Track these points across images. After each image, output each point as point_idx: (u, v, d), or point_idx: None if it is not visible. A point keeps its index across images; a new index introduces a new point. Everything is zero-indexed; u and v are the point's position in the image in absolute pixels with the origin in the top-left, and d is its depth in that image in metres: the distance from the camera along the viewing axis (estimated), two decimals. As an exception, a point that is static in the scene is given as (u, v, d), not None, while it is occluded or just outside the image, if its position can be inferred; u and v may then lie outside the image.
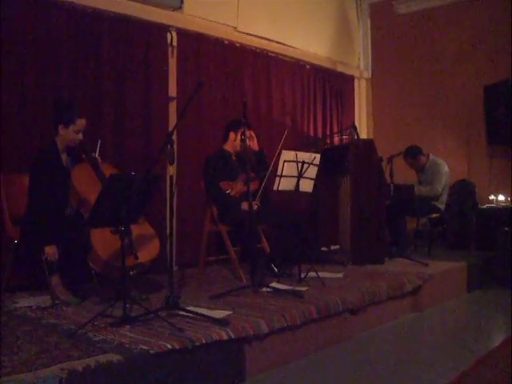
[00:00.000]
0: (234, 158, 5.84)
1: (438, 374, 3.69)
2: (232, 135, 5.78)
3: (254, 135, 5.85)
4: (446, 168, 7.22)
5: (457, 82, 8.52)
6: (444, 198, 7.21)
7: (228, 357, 3.52)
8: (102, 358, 2.91)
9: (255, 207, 5.30)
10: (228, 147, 5.84)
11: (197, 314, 3.77)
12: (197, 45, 6.75)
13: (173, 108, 6.47)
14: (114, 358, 2.95)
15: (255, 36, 7.54)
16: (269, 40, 7.74)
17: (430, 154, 7.38)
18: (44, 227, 4.23)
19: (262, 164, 5.81)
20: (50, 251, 4.21)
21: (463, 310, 5.94)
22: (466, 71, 8.42)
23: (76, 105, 4.70)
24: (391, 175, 6.51)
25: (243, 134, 4.90)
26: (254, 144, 5.84)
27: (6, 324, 3.71)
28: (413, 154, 7.32)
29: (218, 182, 5.45)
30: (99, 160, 4.54)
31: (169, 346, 3.15)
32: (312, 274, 5.25)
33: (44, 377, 2.65)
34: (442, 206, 7.16)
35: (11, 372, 2.69)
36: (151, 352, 3.07)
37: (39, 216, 4.25)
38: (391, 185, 6.51)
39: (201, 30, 6.79)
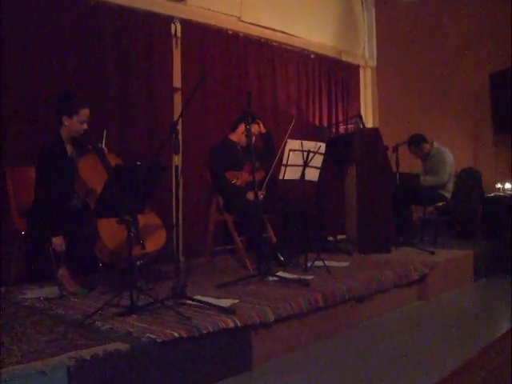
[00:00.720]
0: (239, 148, 5.83)
1: (442, 361, 3.71)
2: (242, 127, 5.74)
3: (259, 121, 5.83)
4: (450, 156, 7.20)
5: (462, 70, 8.47)
6: (450, 186, 7.18)
7: (234, 345, 3.54)
8: (110, 347, 2.94)
9: (261, 197, 5.32)
10: (234, 137, 5.84)
11: (203, 302, 3.78)
12: (201, 35, 6.75)
13: (177, 99, 6.47)
14: (122, 346, 2.97)
15: (259, 26, 7.52)
16: (273, 30, 7.73)
17: (434, 142, 7.36)
18: (51, 218, 4.24)
19: (268, 146, 5.82)
20: (57, 242, 4.23)
21: (469, 299, 5.92)
22: (472, 59, 8.36)
23: (79, 95, 4.70)
24: (397, 164, 6.50)
25: (248, 124, 4.89)
26: (261, 127, 5.83)
27: (14, 315, 3.75)
28: (417, 142, 7.30)
29: (224, 172, 5.47)
30: (105, 150, 4.55)
31: (176, 335, 3.17)
32: (318, 262, 5.27)
33: (52, 365, 2.67)
34: (448, 195, 7.14)
35: (20, 361, 2.70)
36: (158, 340, 3.09)
37: (46, 207, 4.27)
38: (397, 173, 6.50)
39: (204, 21, 6.78)
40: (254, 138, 5.09)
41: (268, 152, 5.76)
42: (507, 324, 4.72)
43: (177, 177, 3.89)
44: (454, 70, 8.58)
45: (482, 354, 3.80)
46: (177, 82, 6.48)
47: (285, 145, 5.15)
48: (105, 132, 4.63)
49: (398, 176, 6.50)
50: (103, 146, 4.56)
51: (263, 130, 5.87)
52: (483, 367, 3.53)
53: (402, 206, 6.97)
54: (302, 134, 7.01)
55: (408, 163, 7.31)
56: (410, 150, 7.34)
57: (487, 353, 3.82)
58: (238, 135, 5.80)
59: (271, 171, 5.48)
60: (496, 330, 4.55)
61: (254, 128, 5.52)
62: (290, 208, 5.61)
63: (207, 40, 6.83)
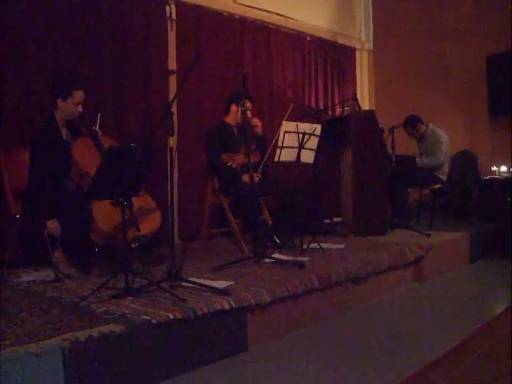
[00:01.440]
0: (235, 130, 5.82)
1: (439, 342, 3.72)
2: (234, 107, 5.75)
3: (259, 123, 5.78)
4: (445, 137, 7.20)
5: (459, 53, 8.45)
6: (445, 168, 7.18)
7: (230, 326, 3.54)
8: (105, 329, 2.94)
9: (256, 179, 5.31)
10: (229, 119, 5.82)
11: (199, 284, 3.79)
12: (196, 18, 6.71)
13: (173, 81, 6.43)
14: (117, 328, 2.97)
15: (255, 8, 7.47)
16: (269, 12, 7.67)
17: (430, 123, 7.35)
18: (45, 202, 4.24)
19: (260, 150, 5.78)
20: (52, 225, 4.23)
21: (465, 280, 5.95)
22: (469, 42, 8.33)
23: (73, 77, 4.67)
24: (392, 146, 6.50)
25: (243, 105, 4.88)
26: (258, 128, 5.78)
27: (9, 298, 3.75)
28: (412, 123, 7.30)
29: (220, 155, 5.45)
30: (99, 133, 4.52)
31: (171, 316, 3.18)
32: (314, 245, 5.28)
33: (47, 348, 2.67)
34: (443, 177, 7.14)
35: (15, 343, 2.70)
36: (153, 322, 3.09)
37: (40, 190, 4.26)
38: (392, 156, 6.50)
39: (200, 3, 6.73)
40: (249, 113, 5.04)
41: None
42: (502, 305, 4.74)
43: (171, 159, 3.87)
44: (450, 52, 8.55)
45: (478, 334, 3.82)
46: (172, 65, 6.45)
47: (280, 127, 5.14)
48: (99, 115, 4.61)
49: (393, 158, 6.51)
50: (97, 128, 4.54)
51: (260, 133, 5.81)
52: (479, 347, 3.55)
53: (398, 188, 6.98)
54: (298, 116, 7.00)
55: (404, 145, 7.31)
56: (405, 130, 7.34)
57: (483, 333, 3.84)
58: (232, 116, 5.78)
59: (267, 155, 5.46)
60: (491, 310, 4.58)
61: (247, 104, 5.50)
62: (286, 190, 5.60)
63: (202, 22, 6.79)
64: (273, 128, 5.65)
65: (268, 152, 5.44)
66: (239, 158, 5.39)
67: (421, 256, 5.58)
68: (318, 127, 5.26)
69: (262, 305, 3.74)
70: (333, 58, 8.82)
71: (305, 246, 5.24)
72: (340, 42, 9.00)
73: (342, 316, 4.42)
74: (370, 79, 9.60)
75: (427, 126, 7.32)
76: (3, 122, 4.96)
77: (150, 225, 4.40)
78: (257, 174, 5.40)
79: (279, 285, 3.94)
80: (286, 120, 5.20)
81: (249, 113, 5.32)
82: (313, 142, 5.25)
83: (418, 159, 7.10)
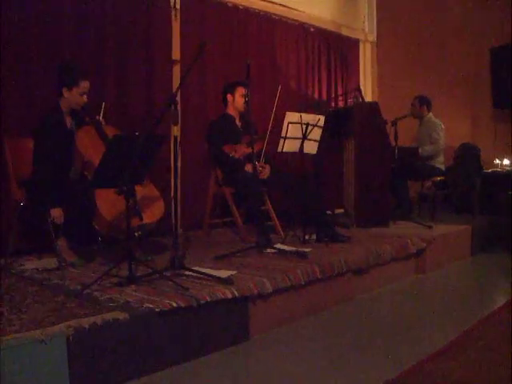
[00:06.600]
0: (237, 121, 5.82)
1: (440, 333, 3.73)
2: (229, 97, 5.77)
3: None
4: (442, 126, 7.27)
5: (462, 45, 8.43)
6: (442, 157, 7.24)
7: (232, 315, 3.56)
8: (108, 316, 2.95)
9: (260, 169, 5.32)
10: (230, 111, 5.83)
11: (202, 273, 3.80)
12: (200, 7, 6.71)
13: (176, 71, 6.44)
14: (120, 315, 2.98)
15: (259, -1, 7.48)
16: (273, 3, 7.66)
17: (431, 113, 7.42)
18: (49, 190, 4.25)
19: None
20: (56, 214, 4.24)
21: (466, 273, 5.96)
22: (472, 34, 8.32)
23: (79, 67, 4.67)
24: (395, 138, 6.48)
25: (247, 95, 4.86)
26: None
27: (14, 285, 3.76)
28: (422, 102, 7.46)
29: (222, 146, 5.44)
30: (103, 122, 4.53)
31: (174, 305, 3.19)
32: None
33: (51, 334, 2.69)
34: (441, 166, 7.20)
35: (19, 330, 2.72)
36: (156, 310, 3.11)
37: (44, 179, 4.27)
38: (395, 148, 6.50)
39: (204, -7, 6.73)
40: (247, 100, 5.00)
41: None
42: (503, 298, 4.75)
43: (175, 147, 3.88)
44: (454, 43, 8.53)
45: (479, 325, 3.83)
46: (176, 55, 6.45)
47: (275, 111, 5.14)
48: (103, 104, 4.62)
49: (396, 150, 6.50)
50: (101, 117, 4.55)
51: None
52: (479, 339, 3.56)
53: (400, 180, 7.00)
54: (302, 107, 6.99)
55: (407, 137, 7.31)
56: (412, 104, 7.52)
57: (483, 325, 3.85)
58: (231, 107, 5.80)
59: (265, 143, 5.44)
60: (493, 302, 4.58)
61: (242, 91, 5.56)
62: (289, 181, 5.60)
63: (207, 12, 6.79)
64: (276, 119, 5.61)
65: (266, 139, 5.41)
66: (241, 149, 5.39)
67: (423, 248, 5.59)
68: (322, 118, 5.27)
69: (264, 294, 3.76)
70: (336, 49, 8.81)
71: (307, 237, 5.25)
72: (343, 33, 8.99)
73: (344, 307, 4.44)
74: (374, 71, 9.59)
75: (428, 113, 7.41)
76: (8, 110, 4.96)
77: (153, 214, 4.41)
78: (261, 163, 5.40)
79: (282, 275, 3.96)
80: (287, 110, 5.20)
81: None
82: (316, 133, 5.27)
83: (420, 149, 7.13)
